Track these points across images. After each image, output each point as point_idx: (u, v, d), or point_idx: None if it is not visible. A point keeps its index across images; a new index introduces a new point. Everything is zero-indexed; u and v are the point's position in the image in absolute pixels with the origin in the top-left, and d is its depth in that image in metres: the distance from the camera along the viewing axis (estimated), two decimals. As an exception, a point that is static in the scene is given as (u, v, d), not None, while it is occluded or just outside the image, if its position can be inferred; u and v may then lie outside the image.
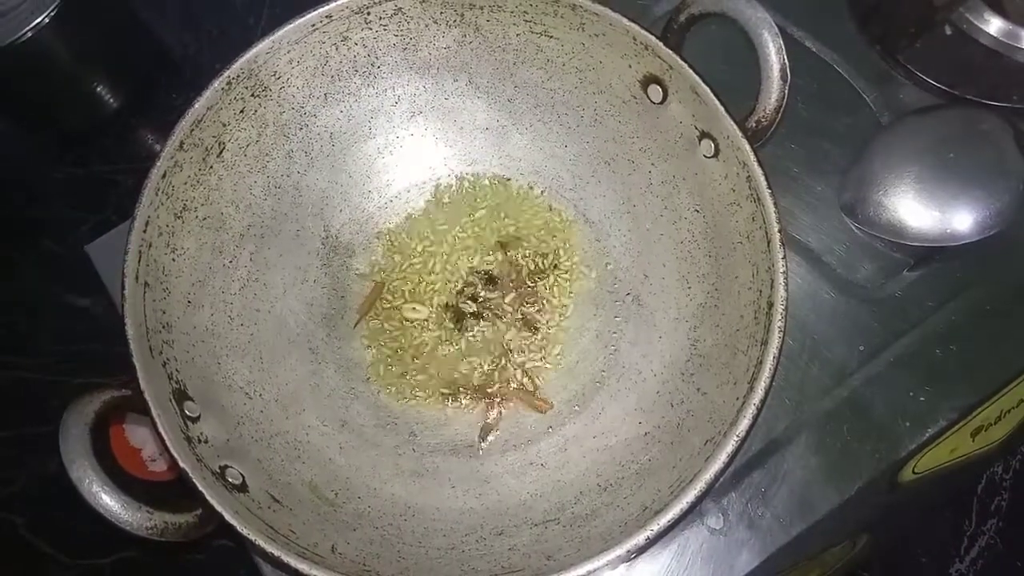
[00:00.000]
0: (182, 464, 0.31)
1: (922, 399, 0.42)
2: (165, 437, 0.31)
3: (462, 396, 0.40)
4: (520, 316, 0.42)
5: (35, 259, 0.59)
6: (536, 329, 0.42)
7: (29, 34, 0.53)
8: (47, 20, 0.53)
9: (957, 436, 0.43)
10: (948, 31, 0.47)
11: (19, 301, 0.58)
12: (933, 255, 0.44)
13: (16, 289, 0.58)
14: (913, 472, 0.44)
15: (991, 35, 0.48)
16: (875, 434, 0.42)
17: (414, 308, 0.42)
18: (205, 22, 0.66)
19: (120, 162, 0.62)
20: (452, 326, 0.42)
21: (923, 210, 0.43)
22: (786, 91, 0.34)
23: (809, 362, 0.43)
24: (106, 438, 0.51)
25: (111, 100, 0.62)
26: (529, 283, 0.42)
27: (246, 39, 0.39)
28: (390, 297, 0.43)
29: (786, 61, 0.33)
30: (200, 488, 0.31)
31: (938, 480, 0.47)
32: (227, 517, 0.30)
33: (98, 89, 0.61)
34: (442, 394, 0.40)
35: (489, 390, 0.40)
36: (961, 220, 0.42)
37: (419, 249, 0.43)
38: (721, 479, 0.39)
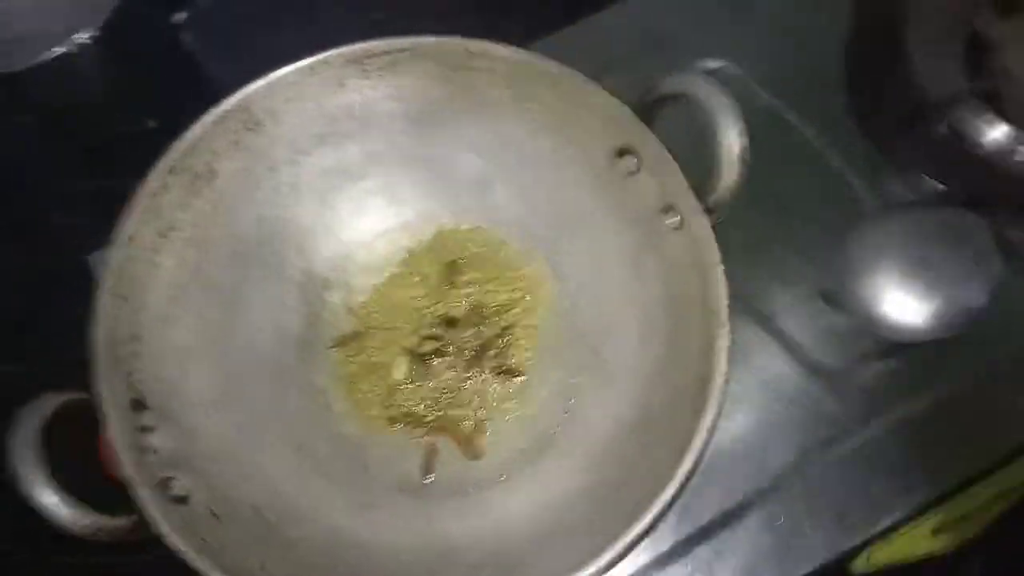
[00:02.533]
0: (126, 471, 0.32)
1: (879, 490, 0.42)
2: (114, 443, 0.33)
3: (408, 425, 0.41)
4: (483, 363, 0.43)
5: (41, 265, 0.62)
6: (498, 376, 0.42)
7: (67, 51, 0.56)
8: (87, 39, 0.56)
9: (916, 532, 0.43)
10: (943, 129, 0.48)
11: (20, 307, 0.60)
12: (904, 347, 0.44)
13: (23, 292, 0.61)
14: (868, 562, 0.43)
15: (988, 137, 0.48)
16: (828, 520, 0.41)
17: (395, 364, 0.43)
18: (250, 58, 0.69)
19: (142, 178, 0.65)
20: (417, 367, 0.43)
21: (898, 303, 0.43)
22: (744, 174, 0.35)
23: (770, 440, 0.43)
24: (86, 442, 0.52)
25: (142, 119, 0.65)
26: (496, 331, 0.43)
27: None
28: (366, 340, 0.44)
29: (747, 145, 0.34)
30: (138, 494, 0.32)
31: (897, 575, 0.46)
32: (160, 526, 0.31)
33: (130, 108, 0.64)
34: (390, 419, 0.41)
35: (430, 421, 0.41)
36: (933, 317, 0.43)
37: (395, 293, 0.44)
38: (669, 547, 0.40)
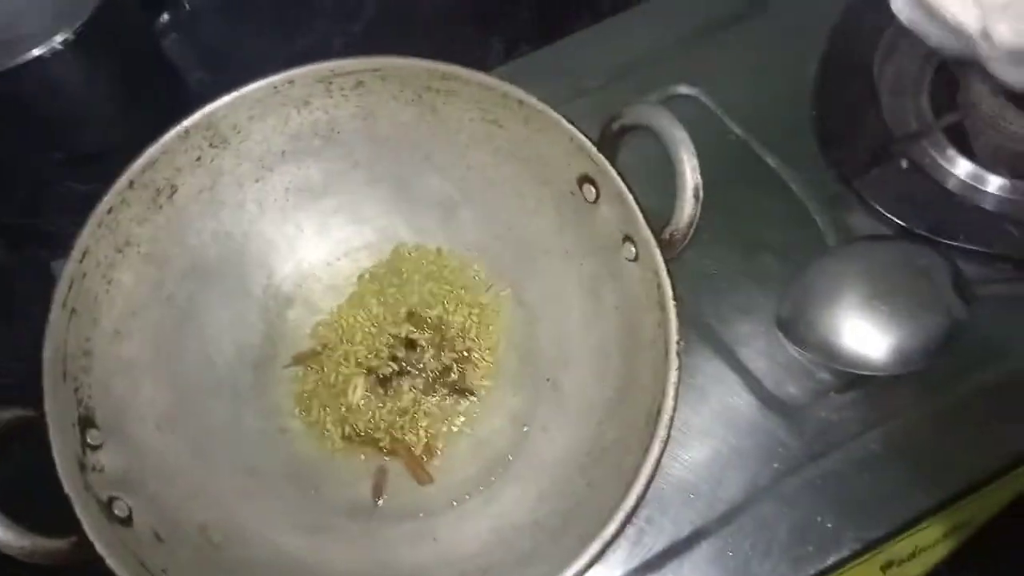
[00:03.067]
0: (67, 489, 0.32)
1: (829, 525, 0.42)
2: (57, 461, 0.32)
3: (360, 444, 0.41)
4: (439, 386, 0.43)
5: (18, 269, 0.61)
6: (454, 396, 0.42)
7: (46, 55, 0.56)
8: (64, 43, 0.56)
9: (864, 567, 0.43)
10: (904, 164, 0.48)
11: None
12: (860, 381, 0.44)
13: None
14: (815, 598, 0.43)
15: (951, 173, 0.48)
16: (777, 554, 0.42)
17: (351, 384, 0.43)
18: (226, 63, 0.69)
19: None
20: (373, 388, 0.43)
21: (853, 337, 0.43)
22: (698, 209, 0.35)
23: (723, 472, 0.43)
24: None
25: (122, 125, 0.64)
26: (454, 355, 0.43)
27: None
28: (324, 359, 0.44)
29: (699, 181, 0.34)
30: (78, 515, 0.32)
31: (847, 610, 0.46)
32: (98, 547, 0.31)
33: (110, 112, 0.64)
34: (344, 439, 0.41)
35: (382, 442, 0.41)
36: (888, 352, 0.43)
37: (354, 312, 0.44)
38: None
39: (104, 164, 0.63)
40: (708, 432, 0.44)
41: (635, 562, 0.42)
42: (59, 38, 0.54)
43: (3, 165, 0.65)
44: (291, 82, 0.40)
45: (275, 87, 0.40)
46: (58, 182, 0.65)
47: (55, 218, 0.64)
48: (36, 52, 0.54)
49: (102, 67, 0.60)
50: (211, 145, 0.40)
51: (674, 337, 0.34)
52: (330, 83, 0.41)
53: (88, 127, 0.64)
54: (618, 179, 0.36)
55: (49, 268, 0.61)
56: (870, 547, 0.42)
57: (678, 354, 0.34)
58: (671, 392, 0.33)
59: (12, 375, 0.56)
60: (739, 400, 0.45)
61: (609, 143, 0.38)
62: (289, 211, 0.44)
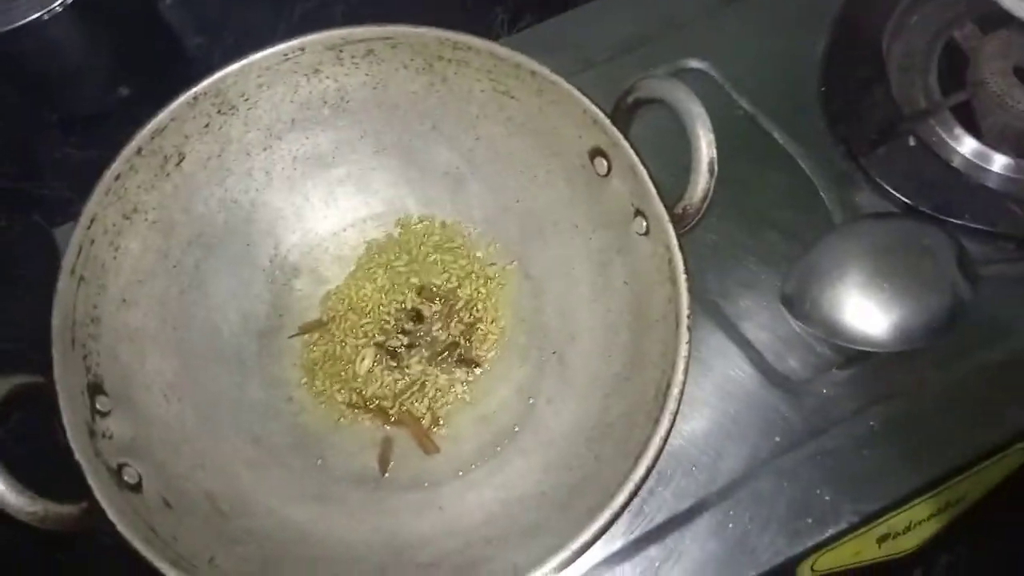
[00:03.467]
0: (77, 456, 0.32)
1: (827, 498, 0.42)
2: (67, 427, 0.32)
3: (365, 413, 0.42)
4: (446, 357, 0.43)
5: (17, 234, 0.61)
6: (461, 368, 0.43)
7: (46, 17, 0.55)
8: (64, 5, 0.55)
9: (861, 540, 0.44)
10: (911, 142, 0.48)
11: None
12: (862, 358, 0.45)
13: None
14: (811, 570, 0.44)
15: (957, 152, 0.49)
16: (776, 526, 0.42)
17: (360, 355, 0.43)
18: (224, 29, 0.68)
19: (116, 150, 0.64)
20: (381, 359, 0.43)
21: (857, 313, 0.44)
22: (712, 184, 0.35)
23: (724, 445, 0.44)
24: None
25: (119, 89, 0.64)
26: (461, 328, 0.43)
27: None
28: (331, 329, 0.44)
29: (715, 156, 0.34)
30: (89, 481, 0.32)
31: (841, 581, 0.47)
32: (109, 514, 0.31)
33: (107, 76, 0.63)
34: (350, 409, 0.42)
35: (389, 411, 0.41)
36: (891, 329, 0.43)
37: (362, 283, 0.44)
38: (619, 547, 0.41)
39: (101, 128, 0.63)
40: (710, 405, 0.44)
41: (636, 533, 0.42)
42: (58, 1, 0.54)
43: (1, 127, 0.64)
44: (302, 49, 0.39)
45: (285, 54, 0.39)
46: (54, 147, 0.64)
47: (52, 183, 0.63)
48: (35, 15, 0.54)
49: (100, 31, 0.60)
50: (219, 112, 0.40)
51: (685, 312, 0.34)
52: (340, 51, 0.40)
53: (85, 90, 0.63)
54: (632, 152, 0.36)
55: (47, 233, 0.61)
56: (867, 520, 0.43)
57: (689, 328, 0.34)
58: (681, 366, 0.33)
59: (11, 340, 0.56)
60: (741, 374, 0.45)
61: (622, 116, 0.38)
62: (297, 180, 0.44)
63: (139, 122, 0.38)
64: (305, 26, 0.40)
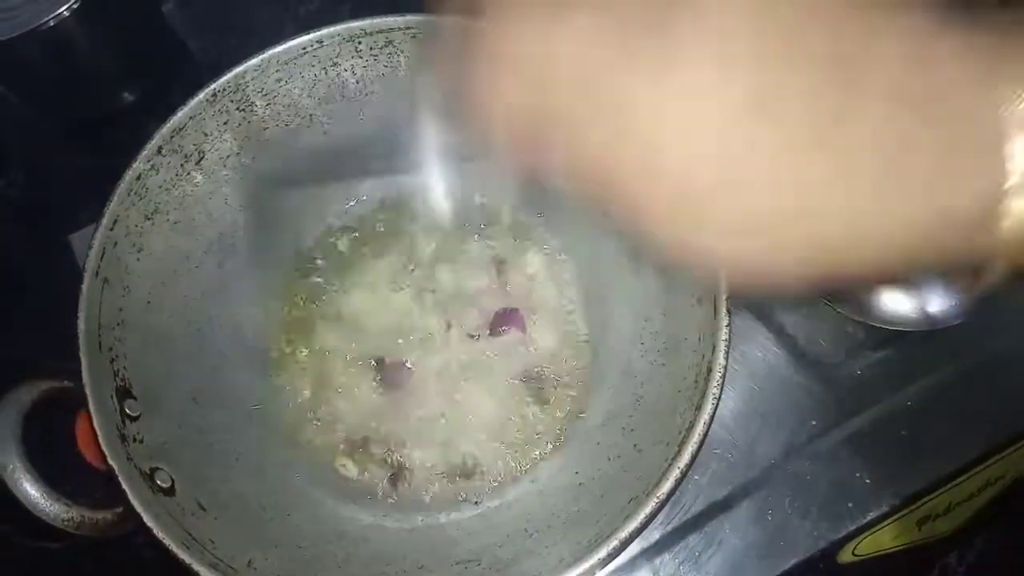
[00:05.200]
0: (110, 461, 0.31)
1: (868, 481, 0.42)
2: (99, 432, 0.32)
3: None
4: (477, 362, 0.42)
5: (29, 240, 0.60)
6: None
7: (51, 22, 0.54)
8: (70, 10, 0.54)
9: (902, 523, 0.43)
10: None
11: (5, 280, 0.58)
12: (896, 339, 0.44)
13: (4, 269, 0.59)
14: (853, 554, 0.43)
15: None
16: (816, 511, 0.41)
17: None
18: (228, 32, 0.67)
19: (125, 155, 0.63)
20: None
21: (891, 294, 0.43)
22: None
23: (760, 430, 0.43)
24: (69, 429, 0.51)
25: (126, 94, 0.63)
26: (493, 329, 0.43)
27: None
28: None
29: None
30: (124, 487, 0.31)
31: (881, 565, 0.46)
32: (145, 519, 0.31)
33: (115, 82, 0.62)
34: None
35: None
36: (925, 308, 0.43)
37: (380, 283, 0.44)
38: (658, 537, 0.40)
39: (107, 134, 0.63)
40: (743, 390, 0.44)
41: (675, 523, 0.41)
42: (65, 6, 0.53)
43: (8, 135, 0.64)
44: (320, 42, 0.39)
45: (304, 48, 0.39)
46: (61, 154, 0.64)
47: (59, 191, 0.62)
48: (43, 20, 0.53)
49: (104, 36, 0.59)
50: (239, 109, 0.39)
51: (724, 295, 0.33)
52: (359, 43, 0.40)
53: (90, 96, 0.63)
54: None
55: (55, 241, 0.60)
56: (908, 502, 0.42)
57: (728, 311, 0.33)
58: (722, 348, 0.33)
59: (24, 349, 0.55)
60: (774, 357, 0.44)
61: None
62: (317, 174, 0.43)
63: (144, 127, 0.37)
64: (312, 25, 0.39)
